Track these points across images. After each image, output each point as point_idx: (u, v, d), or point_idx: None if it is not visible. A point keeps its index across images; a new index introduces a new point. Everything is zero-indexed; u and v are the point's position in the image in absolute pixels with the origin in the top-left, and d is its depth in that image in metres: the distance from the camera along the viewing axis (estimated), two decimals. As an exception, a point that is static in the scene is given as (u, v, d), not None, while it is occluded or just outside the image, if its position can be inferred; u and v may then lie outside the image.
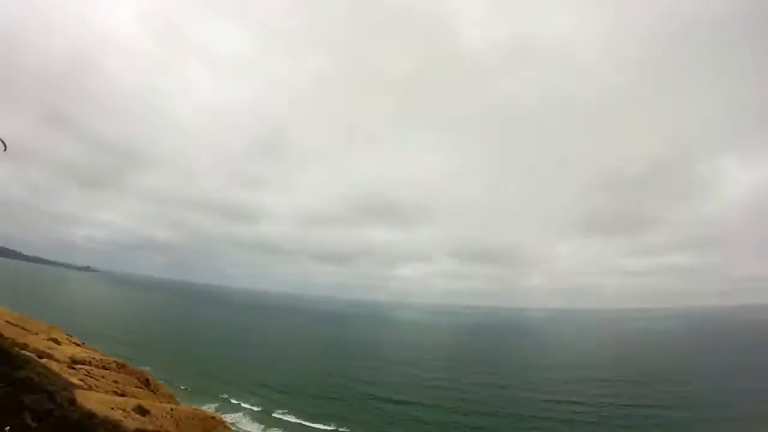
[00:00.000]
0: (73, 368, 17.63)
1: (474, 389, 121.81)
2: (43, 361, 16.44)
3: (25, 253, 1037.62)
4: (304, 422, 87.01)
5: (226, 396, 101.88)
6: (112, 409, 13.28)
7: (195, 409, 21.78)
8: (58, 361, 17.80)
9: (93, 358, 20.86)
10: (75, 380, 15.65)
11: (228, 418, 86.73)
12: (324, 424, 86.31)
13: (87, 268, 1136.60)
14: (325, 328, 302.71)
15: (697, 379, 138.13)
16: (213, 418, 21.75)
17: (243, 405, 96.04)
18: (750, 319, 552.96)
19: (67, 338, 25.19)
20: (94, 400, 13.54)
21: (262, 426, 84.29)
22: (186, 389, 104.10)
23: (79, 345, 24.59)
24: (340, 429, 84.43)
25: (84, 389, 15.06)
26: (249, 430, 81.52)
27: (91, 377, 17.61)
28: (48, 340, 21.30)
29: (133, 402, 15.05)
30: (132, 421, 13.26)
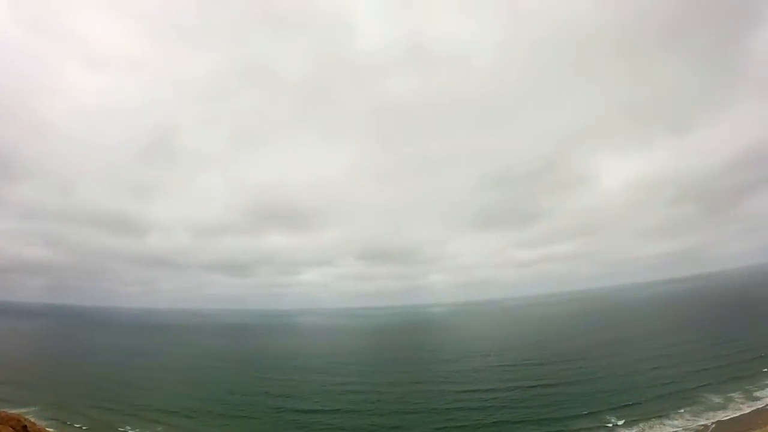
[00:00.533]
0: None
1: (389, 389, 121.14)
2: None
3: None
4: None
5: (128, 429, 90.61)
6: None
7: None
8: None
9: None
10: None
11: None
12: None
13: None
14: (227, 343, 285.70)
15: (591, 355, 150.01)
16: None
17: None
18: (629, 297, 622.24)
19: None
20: None
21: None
22: (82, 427, 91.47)
23: None
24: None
25: None
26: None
27: None
28: None
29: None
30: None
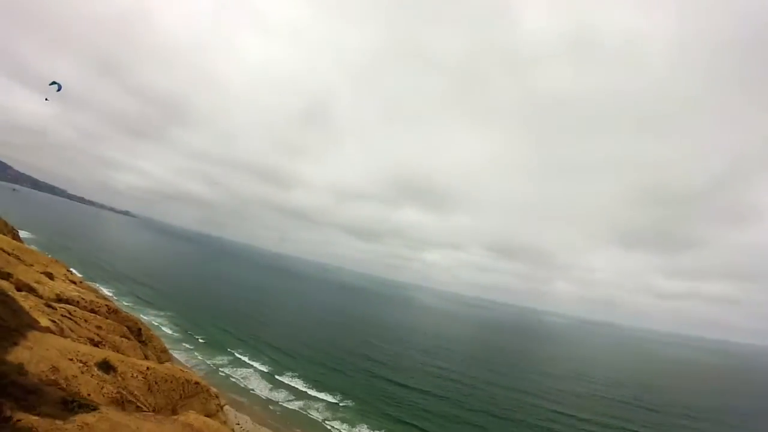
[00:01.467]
0: (52, 307, 16.41)
1: (483, 386, 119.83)
2: (21, 294, 15.18)
3: (70, 192, 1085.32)
4: (309, 390, 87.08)
5: (239, 352, 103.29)
6: (71, 360, 11.79)
7: (180, 371, 20.24)
8: (40, 296, 16.63)
9: (82, 299, 19.68)
10: (45, 320, 14.34)
11: (237, 374, 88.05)
12: (328, 395, 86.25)
13: (126, 213, 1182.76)
14: (344, 300, 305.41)
15: (717, 420, 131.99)
16: (197, 383, 20.19)
17: (253, 363, 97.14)
18: None
19: (66, 274, 24.19)
20: (55, 347, 12.10)
21: (270, 386, 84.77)
22: (200, 340, 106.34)
23: (75, 283, 23.53)
24: (343, 402, 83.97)
25: (52, 332, 13.70)
26: (255, 388, 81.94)
27: (71, 319, 16.37)
28: (41, 273, 20.27)
29: (100, 354, 13.57)
30: (89, 379, 11.73)
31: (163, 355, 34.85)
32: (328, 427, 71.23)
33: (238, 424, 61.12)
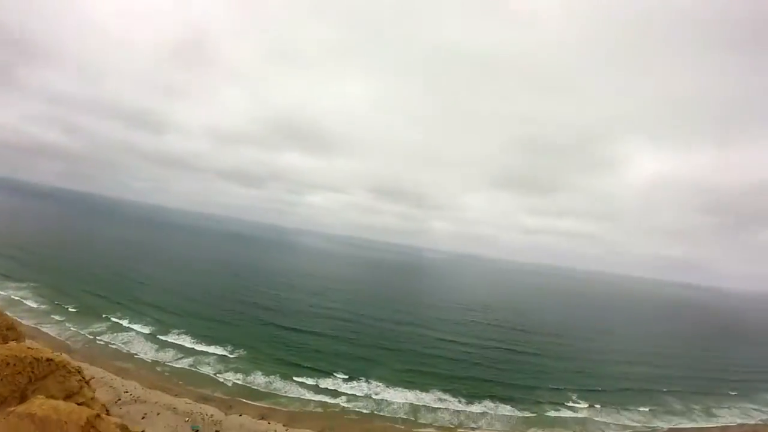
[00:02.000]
0: None
1: (372, 322, 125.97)
2: None
3: None
4: (197, 345, 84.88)
5: (117, 317, 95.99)
6: None
7: (26, 349, 18.25)
8: None
9: None
10: None
11: (118, 340, 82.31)
12: (218, 348, 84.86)
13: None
14: (227, 250, 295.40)
15: (573, 334, 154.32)
16: (49, 360, 18.35)
17: (134, 326, 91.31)
18: (627, 288, 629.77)
19: None
20: None
21: (155, 347, 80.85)
22: (71, 310, 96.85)
23: None
24: (234, 353, 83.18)
25: None
26: (139, 352, 77.56)
27: None
28: None
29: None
30: None
31: (10, 333, 31.16)
32: (221, 380, 70.54)
33: (127, 392, 58.17)
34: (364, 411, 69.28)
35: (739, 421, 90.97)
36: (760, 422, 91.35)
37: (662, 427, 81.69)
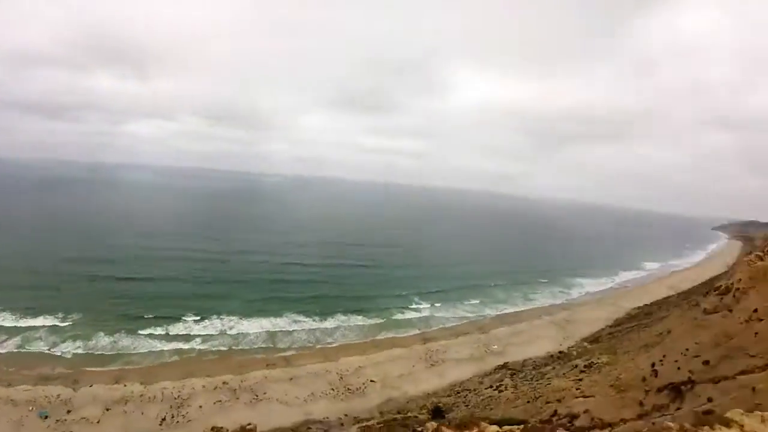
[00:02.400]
0: None
1: (215, 257, 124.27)
2: None
3: None
4: (21, 321, 73.54)
5: None
6: None
7: None
8: None
9: None
10: None
11: None
12: (48, 318, 75.22)
13: None
14: (35, 199, 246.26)
15: (411, 245, 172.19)
16: None
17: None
18: (458, 200, 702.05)
19: None
20: None
21: (-36, 333, 69.93)
22: None
23: None
24: (68, 321, 75.34)
25: None
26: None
27: None
28: None
29: None
30: None
31: None
32: (58, 354, 65.22)
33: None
34: (222, 348, 71.48)
35: (549, 302, 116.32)
36: (563, 302, 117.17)
37: (491, 314, 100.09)
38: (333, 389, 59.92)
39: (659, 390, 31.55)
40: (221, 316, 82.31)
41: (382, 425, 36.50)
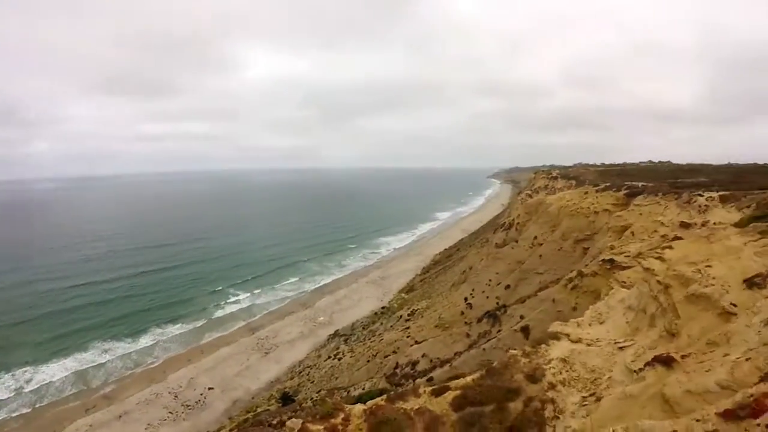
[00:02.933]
0: None
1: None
2: None
3: None
4: None
5: None
6: None
7: None
8: None
9: None
10: None
11: None
12: None
13: None
14: None
15: (217, 235, 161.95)
16: None
17: None
18: (257, 180, 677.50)
19: None
20: None
21: None
22: None
23: None
24: None
25: None
26: None
27: None
28: None
29: None
30: None
31: None
32: None
33: None
34: (25, 410, 57.57)
35: (362, 264, 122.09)
36: (375, 262, 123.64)
37: (310, 288, 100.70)
38: (171, 412, 53.86)
39: (479, 320, 35.56)
40: (11, 372, 65.62)
41: (235, 431, 33.99)
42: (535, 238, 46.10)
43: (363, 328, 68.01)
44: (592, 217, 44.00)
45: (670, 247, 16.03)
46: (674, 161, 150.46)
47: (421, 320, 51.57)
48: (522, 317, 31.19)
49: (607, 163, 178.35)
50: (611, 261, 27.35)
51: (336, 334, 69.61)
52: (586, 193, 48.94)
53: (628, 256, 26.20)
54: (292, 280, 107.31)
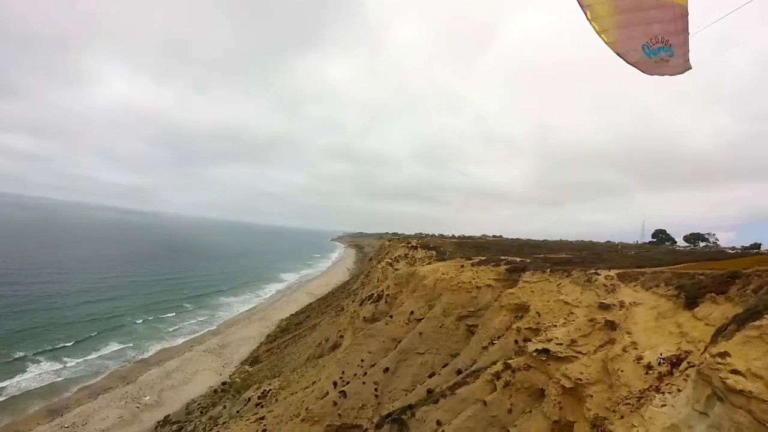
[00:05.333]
0: None
1: None
2: None
3: None
4: None
5: None
6: None
7: None
8: None
9: None
10: None
11: None
12: None
13: None
14: None
15: (30, 280, 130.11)
16: None
17: None
18: (84, 216, 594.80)
19: None
20: None
21: None
22: None
23: None
24: None
25: None
26: None
27: None
28: None
29: None
30: None
31: None
32: None
33: None
34: None
35: (198, 329, 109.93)
36: (214, 328, 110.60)
37: (136, 357, 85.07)
38: None
39: (378, 426, 30.86)
40: None
41: None
42: (412, 313, 44.33)
43: (201, 412, 57.84)
44: (474, 292, 43.24)
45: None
46: (505, 235, 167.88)
47: (277, 407, 45.01)
48: (440, 423, 27.34)
49: (446, 234, 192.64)
50: (545, 351, 25.19)
51: (167, 420, 57.63)
52: (462, 266, 48.97)
53: (560, 344, 24.73)
54: (114, 346, 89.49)
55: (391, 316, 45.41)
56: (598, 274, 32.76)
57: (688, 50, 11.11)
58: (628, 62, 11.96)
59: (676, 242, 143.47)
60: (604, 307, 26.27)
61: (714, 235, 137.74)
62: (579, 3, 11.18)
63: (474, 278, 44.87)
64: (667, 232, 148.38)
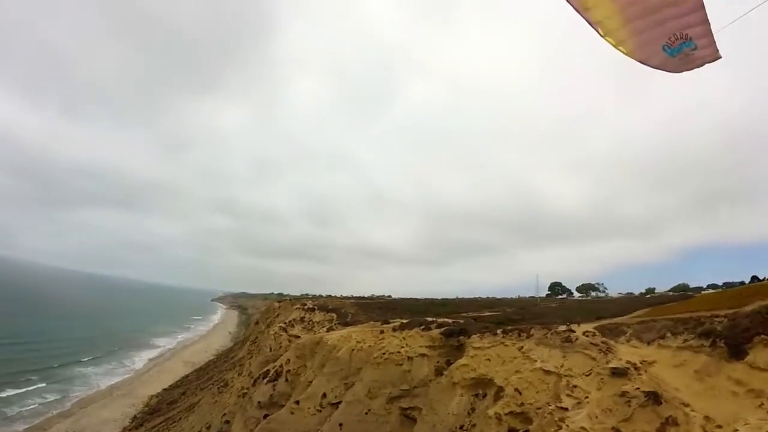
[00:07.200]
0: None
1: None
2: None
3: None
4: None
5: None
6: None
7: None
8: None
9: None
10: None
11: None
12: None
13: None
14: None
15: None
16: None
17: None
18: None
19: None
20: None
21: None
22: None
23: None
24: None
25: None
26: None
27: None
28: None
29: None
30: None
31: None
32: None
33: None
34: None
35: (45, 410, 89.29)
36: (66, 409, 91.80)
37: None
38: None
39: None
40: None
41: None
42: (324, 395, 37.62)
43: None
44: (405, 365, 35.39)
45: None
46: (393, 295, 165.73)
47: None
48: None
49: (333, 294, 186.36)
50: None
51: None
52: (382, 332, 41.06)
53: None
54: None
55: (297, 402, 38.43)
56: (573, 332, 25.74)
57: (714, 39, 10.28)
58: (652, 67, 11.15)
59: (573, 293, 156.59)
60: (619, 373, 18.93)
61: (602, 284, 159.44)
62: (588, 21, 10.36)
63: (402, 347, 37.24)
64: (563, 284, 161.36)
